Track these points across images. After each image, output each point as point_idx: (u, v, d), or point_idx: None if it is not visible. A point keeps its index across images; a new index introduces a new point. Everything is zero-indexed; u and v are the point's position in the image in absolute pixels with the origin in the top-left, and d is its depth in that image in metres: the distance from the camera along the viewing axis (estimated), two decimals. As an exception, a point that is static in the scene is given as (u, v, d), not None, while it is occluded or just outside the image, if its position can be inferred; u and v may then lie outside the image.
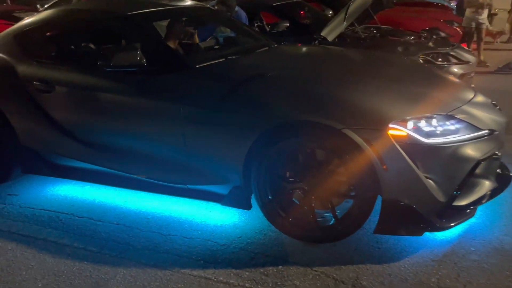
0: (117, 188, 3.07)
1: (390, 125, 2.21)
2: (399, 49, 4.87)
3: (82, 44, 3.32)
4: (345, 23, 4.81)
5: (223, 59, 2.97)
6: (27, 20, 3.38)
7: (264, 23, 6.36)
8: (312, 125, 2.33)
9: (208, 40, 3.95)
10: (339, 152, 2.32)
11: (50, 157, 3.20)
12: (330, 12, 7.21)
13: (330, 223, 2.46)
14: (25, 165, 3.31)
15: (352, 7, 4.78)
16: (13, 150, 3.26)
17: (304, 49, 3.69)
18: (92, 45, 3.53)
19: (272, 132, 2.42)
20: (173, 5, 3.48)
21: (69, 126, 3.04)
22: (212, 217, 2.82)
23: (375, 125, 2.24)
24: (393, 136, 2.20)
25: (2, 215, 2.95)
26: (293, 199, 2.52)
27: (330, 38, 4.77)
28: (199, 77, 2.73)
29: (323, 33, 4.78)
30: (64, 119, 3.04)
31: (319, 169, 2.40)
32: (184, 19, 3.57)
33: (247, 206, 2.62)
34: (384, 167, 2.19)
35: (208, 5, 4.35)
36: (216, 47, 3.76)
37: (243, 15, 5.02)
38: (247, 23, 5.02)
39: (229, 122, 2.51)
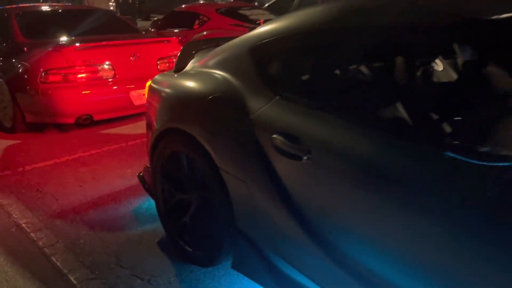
0: None
1: None
2: None
3: (376, 74, 1.84)
4: None
5: None
6: (270, 25, 2.11)
7: None
8: None
9: None
10: None
11: (275, 261, 1.90)
12: None
13: None
14: (235, 257, 2.10)
15: None
16: (224, 227, 2.08)
17: None
18: (401, 73, 1.97)
19: None
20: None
21: (321, 226, 1.65)
22: None
23: None
24: None
25: None
26: None
27: None
28: None
29: None
30: (317, 213, 1.66)
31: None
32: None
33: None
34: None
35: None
36: None
37: None
38: None
39: None
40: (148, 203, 3.06)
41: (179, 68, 2.66)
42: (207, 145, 2.04)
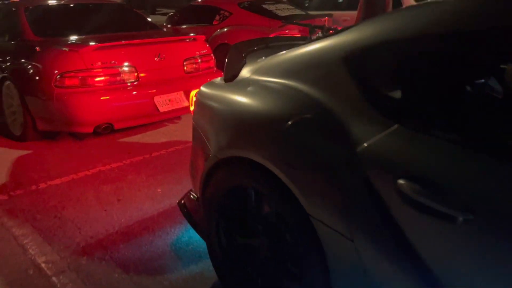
0: None
1: None
2: None
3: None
4: None
5: None
6: (378, 25, 1.60)
7: None
8: None
9: None
10: None
11: None
12: None
13: None
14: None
15: None
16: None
17: None
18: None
19: None
20: None
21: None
22: None
23: None
24: None
25: None
26: None
27: None
28: None
29: None
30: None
31: None
32: None
33: None
34: None
35: None
36: None
37: None
38: None
39: None
40: (187, 235, 2.59)
41: (230, 76, 2.17)
42: (292, 184, 1.56)
